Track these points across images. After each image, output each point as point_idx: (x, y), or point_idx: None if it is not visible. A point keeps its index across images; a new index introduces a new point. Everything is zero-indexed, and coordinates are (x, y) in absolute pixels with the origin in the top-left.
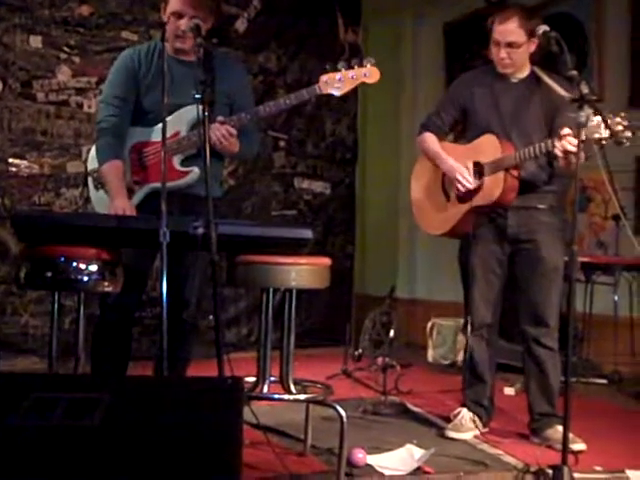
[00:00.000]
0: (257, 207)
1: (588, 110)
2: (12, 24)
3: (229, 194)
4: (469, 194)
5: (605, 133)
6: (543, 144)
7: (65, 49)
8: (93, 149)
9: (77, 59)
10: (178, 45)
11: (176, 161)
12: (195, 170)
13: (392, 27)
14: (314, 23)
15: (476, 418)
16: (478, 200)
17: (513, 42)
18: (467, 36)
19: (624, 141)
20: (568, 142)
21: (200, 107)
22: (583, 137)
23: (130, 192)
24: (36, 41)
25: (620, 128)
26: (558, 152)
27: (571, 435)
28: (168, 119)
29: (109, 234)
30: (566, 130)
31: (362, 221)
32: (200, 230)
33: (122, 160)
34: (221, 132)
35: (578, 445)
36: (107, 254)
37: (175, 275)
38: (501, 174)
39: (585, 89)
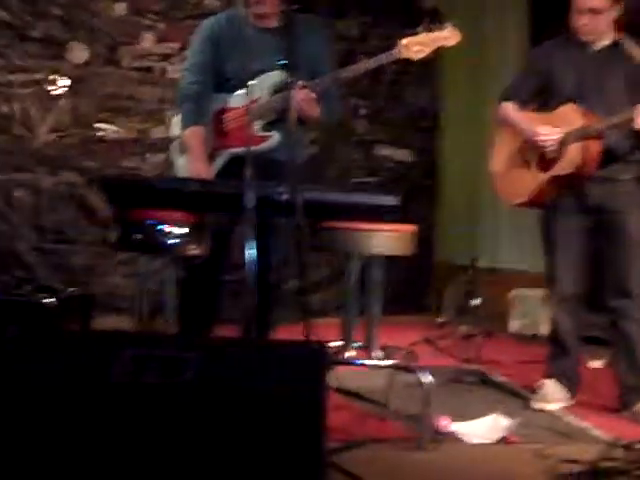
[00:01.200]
0: (338, 174)
1: None
2: None
3: (310, 161)
4: (549, 163)
5: None
6: (629, 112)
7: (149, 16)
8: (176, 117)
9: (161, 25)
10: (258, 10)
11: (257, 126)
12: (275, 135)
13: None
14: None
15: (561, 390)
16: (558, 169)
17: (595, 8)
18: (555, 5)
19: None
20: None
21: (284, 73)
22: None
23: (212, 158)
24: (120, 8)
25: None
26: (637, 126)
27: None
28: (250, 85)
29: (196, 198)
30: None
31: (443, 189)
32: (284, 196)
33: (204, 126)
34: (300, 96)
35: None
36: (194, 218)
37: (260, 239)
38: (582, 144)
39: None
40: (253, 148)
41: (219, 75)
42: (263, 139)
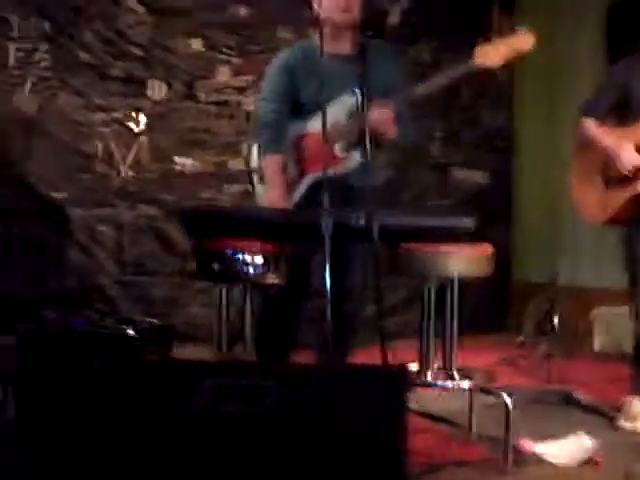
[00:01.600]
0: (414, 197)
1: None
2: (174, 29)
3: (386, 184)
4: (631, 180)
5: None
6: None
7: (224, 50)
8: (255, 147)
9: (236, 60)
10: (345, 17)
11: (337, 148)
12: (356, 154)
13: (549, 10)
14: (467, 14)
15: None
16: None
17: None
18: (632, 18)
19: None
20: None
21: (359, 98)
22: None
23: (295, 185)
24: (197, 44)
25: None
26: None
27: None
28: (328, 109)
29: (273, 227)
30: None
31: (521, 208)
32: (362, 221)
33: (282, 154)
34: (378, 116)
35: None
36: (272, 247)
37: (337, 266)
38: None
39: None
40: (335, 169)
41: (295, 103)
42: (344, 159)
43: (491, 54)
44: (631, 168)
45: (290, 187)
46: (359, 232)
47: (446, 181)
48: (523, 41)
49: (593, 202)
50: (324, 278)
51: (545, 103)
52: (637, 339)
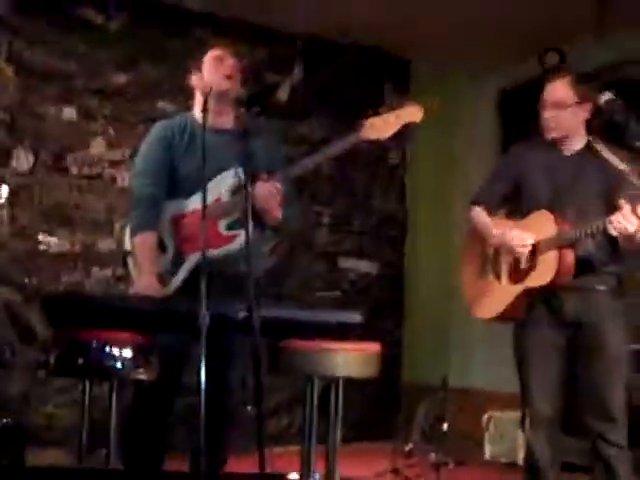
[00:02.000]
0: (299, 287)
1: None
2: (45, 95)
3: (269, 272)
4: (521, 274)
5: None
6: (600, 222)
7: (100, 120)
8: (129, 226)
9: (112, 130)
10: (229, 85)
11: (222, 226)
12: (241, 233)
13: (443, 97)
14: (359, 90)
15: None
16: (532, 281)
17: (559, 101)
18: (525, 105)
19: None
20: (625, 220)
21: (235, 171)
22: None
23: (177, 266)
24: (69, 111)
25: None
26: (613, 232)
27: None
28: (208, 186)
29: (144, 318)
30: (625, 207)
31: (411, 303)
32: (242, 314)
33: (155, 233)
34: (268, 189)
35: None
36: (142, 339)
37: (217, 361)
38: (555, 253)
39: None
40: (219, 250)
41: (174, 179)
42: (230, 238)
43: (378, 126)
44: (522, 246)
45: (170, 271)
46: (239, 325)
47: (333, 271)
48: (413, 113)
49: (484, 297)
50: (199, 374)
51: (440, 189)
52: (527, 449)
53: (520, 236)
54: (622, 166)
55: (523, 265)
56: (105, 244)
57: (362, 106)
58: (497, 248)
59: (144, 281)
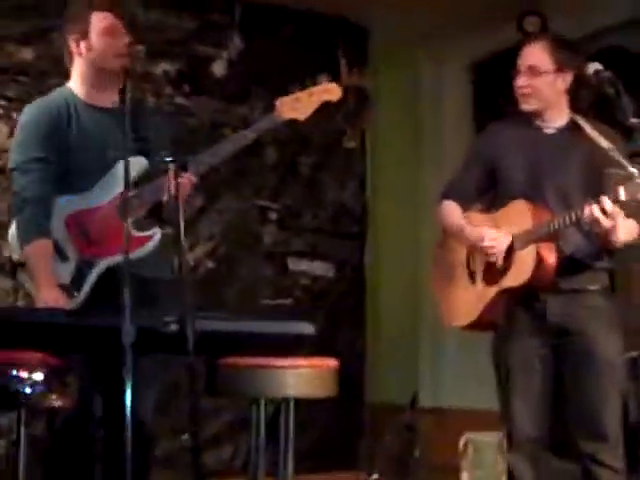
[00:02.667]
0: (242, 295)
1: None
2: None
3: (207, 279)
4: (497, 275)
5: None
6: (578, 211)
7: (1, 102)
8: (12, 232)
9: (16, 114)
10: (122, 63)
11: (130, 225)
12: (157, 232)
13: (407, 69)
14: (310, 64)
15: None
16: (508, 281)
17: (534, 66)
18: (499, 77)
19: None
20: (600, 208)
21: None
22: (622, 197)
23: (82, 274)
24: None
25: None
26: (587, 221)
27: None
28: (106, 178)
29: (58, 334)
30: (604, 200)
31: (375, 311)
32: (173, 327)
33: (49, 239)
34: (181, 182)
35: None
36: (55, 359)
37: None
38: (533, 249)
39: None
40: (134, 253)
41: (63, 171)
42: (144, 240)
43: (294, 106)
44: (498, 250)
45: (74, 281)
46: (169, 340)
47: (283, 274)
48: (329, 91)
49: (458, 302)
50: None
51: (406, 177)
52: (510, 474)
53: (493, 235)
54: (607, 144)
55: (499, 264)
56: (8, 250)
57: (311, 83)
58: (470, 247)
59: (46, 295)
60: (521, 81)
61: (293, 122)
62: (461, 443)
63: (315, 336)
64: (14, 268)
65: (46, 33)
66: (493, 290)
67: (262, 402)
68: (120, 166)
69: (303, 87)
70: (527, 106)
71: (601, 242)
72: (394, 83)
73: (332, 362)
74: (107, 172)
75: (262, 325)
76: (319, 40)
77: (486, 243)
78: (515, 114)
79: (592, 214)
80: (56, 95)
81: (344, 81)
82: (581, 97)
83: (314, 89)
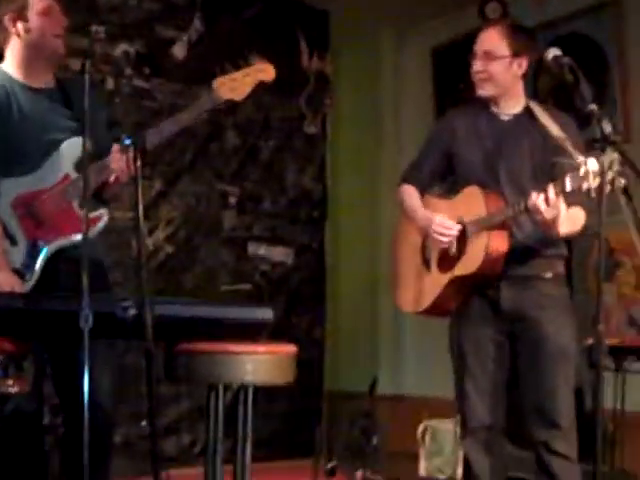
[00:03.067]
0: (201, 280)
1: (612, 154)
2: None
3: (166, 263)
4: (451, 262)
5: (595, 183)
6: (524, 200)
7: None
8: None
9: None
10: (59, 43)
11: (76, 206)
12: (105, 213)
13: (368, 53)
14: (270, 48)
15: None
16: (460, 269)
17: (490, 51)
18: (459, 62)
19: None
20: (544, 198)
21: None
22: (569, 187)
23: (33, 257)
24: None
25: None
26: (531, 210)
27: None
28: (52, 159)
29: (15, 319)
30: (549, 190)
31: (334, 297)
32: (131, 311)
33: None
34: (124, 163)
35: None
36: (12, 345)
37: (72, 370)
38: (485, 236)
39: (608, 127)
40: (87, 233)
41: (6, 155)
42: (93, 221)
43: (232, 86)
44: (449, 240)
45: (25, 264)
46: (127, 325)
47: (242, 259)
48: (263, 71)
49: (413, 289)
50: (81, 388)
51: (367, 163)
52: (465, 462)
53: (444, 223)
54: (557, 133)
55: (451, 252)
56: None
57: (274, 65)
58: (424, 233)
59: (3, 278)
60: (477, 66)
61: (230, 102)
62: (419, 430)
63: (274, 322)
64: None
65: None
66: (446, 277)
67: (220, 388)
68: (65, 147)
69: (237, 68)
70: (483, 92)
71: (542, 231)
72: (355, 67)
73: (291, 348)
74: (52, 154)
75: (221, 310)
76: (280, 24)
77: (434, 227)
78: (473, 100)
79: (535, 203)
80: None
81: (305, 65)
82: (540, 83)
83: (249, 69)
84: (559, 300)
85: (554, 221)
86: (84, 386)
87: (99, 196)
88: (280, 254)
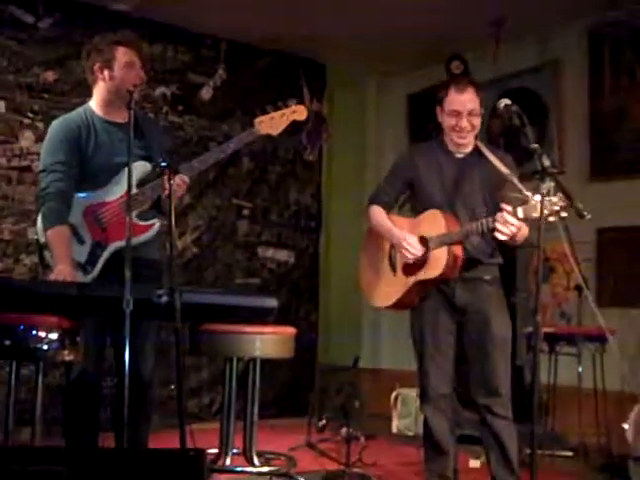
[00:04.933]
0: (220, 275)
1: (550, 183)
2: None
3: (192, 261)
4: (414, 268)
5: (537, 213)
6: (485, 221)
7: (29, 114)
8: (39, 221)
9: (40, 124)
10: (134, 90)
11: (135, 216)
12: (156, 222)
13: (356, 98)
14: (279, 92)
15: None
16: (422, 275)
17: (473, 109)
18: (430, 108)
19: (585, 214)
20: (504, 222)
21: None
22: (521, 215)
23: (95, 256)
24: (0, 106)
25: (556, 208)
26: (498, 231)
27: None
28: (117, 178)
29: (70, 302)
30: (506, 207)
31: (326, 290)
32: (164, 298)
33: (67, 225)
34: (177, 182)
35: None
36: (67, 322)
37: (135, 343)
38: (445, 250)
39: (547, 162)
40: (137, 238)
41: (83, 172)
42: (146, 228)
43: (270, 124)
44: (414, 258)
45: (88, 260)
46: (161, 309)
47: (253, 259)
48: (297, 112)
49: (380, 288)
50: (123, 359)
51: (353, 185)
52: (425, 424)
53: (414, 245)
54: (504, 169)
55: (415, 262)
56: (33, 233)
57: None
58: (392, 244)
59: (60, 269)
60: (464, 122)
61: (268, 137)
62: (392, 397)
63: (278, 309)
64: (40, 249)
65: (64, 60)
66: (410, 280)
67: (234, 360)
68: (126, 170)
69: (276, 108)
70: (464, 141)
71: (506, 241)
72: (345, 109)
73: (291, 330)
74: (118, 174)
75: (236, 299)
76: (287, 73)
77: (405, 245)
78: (429, 140)
79: (505, 220)
80: (79, 111)
81: (307, 107)
82: (493, 127)
83: (285, 110)
84: (498, 298)
85: (517, 233)
86: (125, 356)
87: (159, 207)
88: (284, 255)
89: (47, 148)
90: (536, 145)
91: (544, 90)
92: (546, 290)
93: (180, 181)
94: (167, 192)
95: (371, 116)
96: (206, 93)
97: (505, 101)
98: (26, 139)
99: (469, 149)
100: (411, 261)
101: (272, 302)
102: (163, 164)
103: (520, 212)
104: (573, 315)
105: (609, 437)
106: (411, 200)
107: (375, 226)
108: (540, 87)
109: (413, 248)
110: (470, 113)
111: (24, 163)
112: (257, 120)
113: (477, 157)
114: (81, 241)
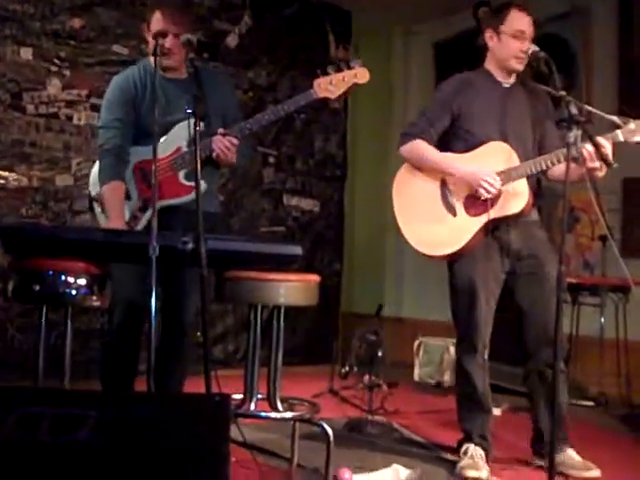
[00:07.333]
0: (245, 223)
1: (577, 131)
2: (2, 35)
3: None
4: (479, 207)
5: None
6: (557, 155)
7: (56, 61)
8: (94, 173)
9: (67, 72)
10: (165, 62)
11: (181, 176)
12: (202, 183)
13: (382, 44)
14: (305, 39)
15: (483, 453)
16: (496, 212)
17: (531, 34)
18: (457, 55)
19: (613, 163)
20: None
21: (192, 122)
22: (621, 139)
23: (141, 212)
24: (27, 53)
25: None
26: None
27: (585, 462)
28: (168, 136)
29: (97, 248)
30: (602, 140)
31: (350, 239)
32: (189, 245)
33: (123, 181)
34: (224, 144)
35: (592, 472)
36: (96, 268)
37: (171, 292)
38: (524, 182)
39: (574, 110)
40: (180, 198)
41: (138, 129)
42: (190, 188)
43: (329, 87)
44: (492, 185)
45: (134, 216)
46: (187, 256)
47: (278, 208)
48: (359, 75)
49: (436, 232)
50: (150, 304)
51: (379, 133)
52: (467, 379)
53: (493, 176)
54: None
55: (483, 197)
56: (62, 180)
57: (306, 55)
58: (444, 182)
59: (113, 224)
60: (526, 46)
61: (325, 99)
62: (415, 345)
63: (302, 256)
64: (90, 202)
65: (91, 7)
66: (481, 221)
67: (259, 308)
68: (181, 126)
69: (338, 69)
70: (521, 67)
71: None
72: (371, 57)
73: (314, 277)
74: (170, 130)
75: (261, 246)
76: (312, 21)
77: (487, 179)
78: (476, 69)
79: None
80: (137, 67)
81: (332, 54)
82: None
83: (345, 73)
84: (547, 240)
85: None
86: (151, 303)
87: (215, 164)
88: (308, 204)
89: (106, 104)
90: (564, 92)
91: (572, 38)
92: (570, 240)
93: (229, 143)
94: (216, 153)
95: (397, 64)
96: (232, 40)
97: (533, 47)
98: (53, 86)
99: (513, 79)
100: (491, 196)
101: (296, 249)
102: (188, 111)
103: (620, 135)
104: (597, 265)
105: (630, 388)
106: (448, 135)
107: (426, 162)
108: (568, 34)
109: (497, 182)
110: (529, 37)
111: (52, 110)
112: (316, 82)
113: (522, 87)
114: (128, 197)
